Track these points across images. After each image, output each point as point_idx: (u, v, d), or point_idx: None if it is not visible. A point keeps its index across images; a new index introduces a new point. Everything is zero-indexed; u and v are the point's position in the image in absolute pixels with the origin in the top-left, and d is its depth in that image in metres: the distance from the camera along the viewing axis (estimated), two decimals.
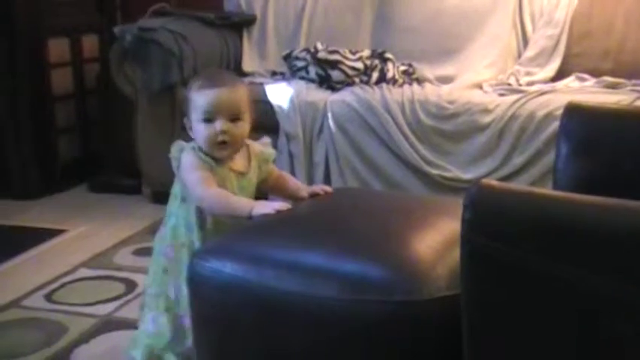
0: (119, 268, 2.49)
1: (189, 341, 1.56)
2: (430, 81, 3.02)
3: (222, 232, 1.55)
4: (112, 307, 2.20)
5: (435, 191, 2.69)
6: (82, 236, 2.84)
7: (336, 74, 2.91)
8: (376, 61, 2.97)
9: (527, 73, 3.00)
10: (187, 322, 1.54)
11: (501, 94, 2.80)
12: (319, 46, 3.02)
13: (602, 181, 1.48)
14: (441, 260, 1.21)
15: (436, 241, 1.27)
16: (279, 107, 2.85)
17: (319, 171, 2.82)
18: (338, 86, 2.90)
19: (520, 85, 2.92)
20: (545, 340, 0.92)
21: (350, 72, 2.91)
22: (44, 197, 3.30)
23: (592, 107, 1.63)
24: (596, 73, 2.89)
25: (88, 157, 3.57)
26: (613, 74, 2.86)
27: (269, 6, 3.43)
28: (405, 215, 1.42)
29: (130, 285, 2.35)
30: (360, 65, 2.93)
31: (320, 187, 1.61)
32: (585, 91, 2.75)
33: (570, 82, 2.91)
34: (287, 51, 3.15)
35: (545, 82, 2.95)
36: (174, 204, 1.64)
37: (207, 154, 1.57)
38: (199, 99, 1.57)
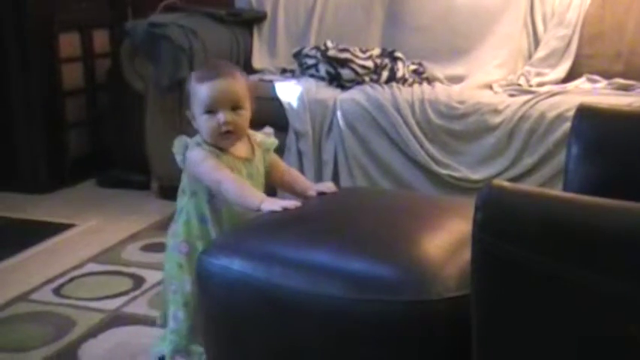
0: (127, 264, 2.50)
1: None
2: (440, 80, 3.01)
3: (235, 222, 1.56)
4: (119, 302, 2.21)
5: (444, 191, 2.69)
6: (91, 231, 2.85)
7: (346, 72, 2.91)
8: (386, 60, 2.96)
9: (538, 74, 2.98)
10: None
11: (511, 95, 2.78)
12: (329, 44, 3.02)
13: (613, 183, 1.47)
14: (450, 260, 1.21)
15: (445, 241, 1.27)
16: (289, 105, 2.85)
17: (328, 169, 2.81)
18: (348, 84, 2.90)
19: (530, 85, 2.90)
20: (555, 340, 0.92)
21: (360, 70, 2.90)
22: (54, 192, 3.32)
23: (604, 109, 1.62)
24: (607, 75, 2.87)
25: (97, 152, 3.58)
26: (624, 76, 2.84)
27: (279, 3, 3.43)
28: (414, 215, 1.42)
29: (138, 280, 2.36)
30: (370, 64, 2.92)
31: (326, 186, 1.61)
32: (596, 92, 2.74)
33: (581, 83, 2.89)
34: (297, 48, 3.15)
35: (556, 83, 2.93)
36: (183, 199, 1.64)
37: (211, 145, 1.58)
38: (200, 91, 1.58)
